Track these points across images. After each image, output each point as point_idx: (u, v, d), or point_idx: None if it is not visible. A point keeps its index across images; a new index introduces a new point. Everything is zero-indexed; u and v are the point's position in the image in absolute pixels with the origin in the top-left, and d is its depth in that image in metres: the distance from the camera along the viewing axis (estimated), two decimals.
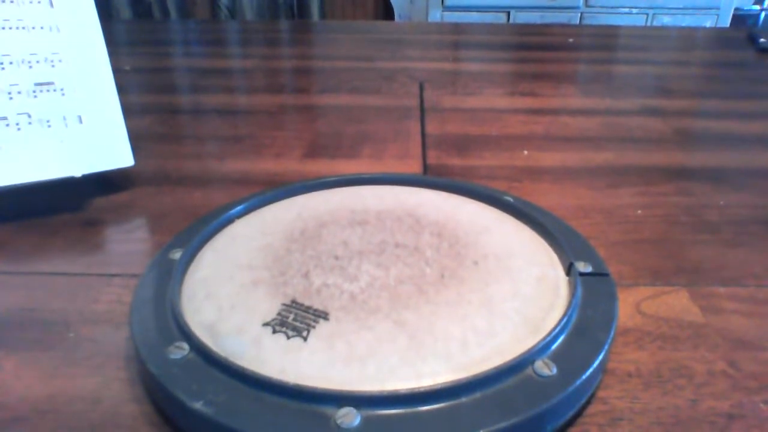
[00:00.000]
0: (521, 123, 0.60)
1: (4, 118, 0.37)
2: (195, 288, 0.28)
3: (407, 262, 0.29)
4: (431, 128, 0.58)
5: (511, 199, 0.36)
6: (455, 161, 0.49)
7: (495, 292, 0.27)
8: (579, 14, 2.04)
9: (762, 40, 0.96)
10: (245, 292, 0.27)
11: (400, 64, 0.85)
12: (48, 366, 0.26)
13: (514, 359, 0.22)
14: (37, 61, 0.38)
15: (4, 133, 0.37)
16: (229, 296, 0.27)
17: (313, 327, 0.25)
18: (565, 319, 0.25)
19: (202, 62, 0.89)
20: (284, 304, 0.26)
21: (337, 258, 0.30)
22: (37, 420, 0.23)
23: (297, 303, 0.26)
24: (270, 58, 0.94)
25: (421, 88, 0.72)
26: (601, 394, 0.24)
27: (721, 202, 0.42)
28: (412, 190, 0.38)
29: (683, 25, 1.99)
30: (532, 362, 0.23)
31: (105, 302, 0.30)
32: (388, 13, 2.22)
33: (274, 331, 0.25)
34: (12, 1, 0.38)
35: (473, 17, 2.02)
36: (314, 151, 0.52)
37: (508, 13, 2.04)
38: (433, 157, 0.50)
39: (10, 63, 0.37)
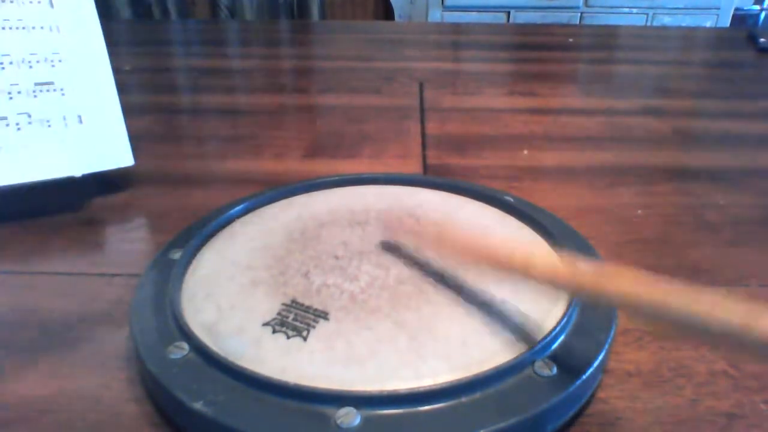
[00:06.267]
0: (521, 123, 0.60)
1: (4, 118, 0.37)
2: (195, 288, 0.28)
3: (407, 262, 0.29)
4: (431, 128, 0.58)
5: (512, 199, 0.36)
6: (455, 161, 0.49)
7: (495, 292, 0.27)
8: (579, 14, 2.04)
9: (762, 40, 0.96)
10: (245, 292, 0.27)
11: (400, 64, 0.85)
12: (48, 366, 0.26)
13: (514, 359, 0.22)
14: (37, 61, 0.38)
15: (4, 133, 0.37)
16: (229, 296, 0.27)
17: (313, 327, 0.25)
18: (565, 319, 0.25)
19: (202, 62, 0.89)
20: (284, 304, 0.26)
21: (337, 258, 0.30)
22: (37, 420, 0.23)
23: (297, 303, 0.26)
24: (270, 58, 0.94)
25: (421, 88, 0.72)
26: (601, 394, 0.24)
27: (721, 202, 0.42)
28: (412, 190, 0.38)
29: (683, 25, 1.99)
30: (532, 362, 0.23)
31: (105, 302, 0.30)
32: (388, 13, 2.21)
33: (274, 331, 0.25)
34: (12, 1, 0.38)
35: (473, 17, 2.02)
36: (314, 151, 0.52)
37: (508, 13, 2.03)
38: (433, 157, 0.50)
39: (10, 63, 0.37)
